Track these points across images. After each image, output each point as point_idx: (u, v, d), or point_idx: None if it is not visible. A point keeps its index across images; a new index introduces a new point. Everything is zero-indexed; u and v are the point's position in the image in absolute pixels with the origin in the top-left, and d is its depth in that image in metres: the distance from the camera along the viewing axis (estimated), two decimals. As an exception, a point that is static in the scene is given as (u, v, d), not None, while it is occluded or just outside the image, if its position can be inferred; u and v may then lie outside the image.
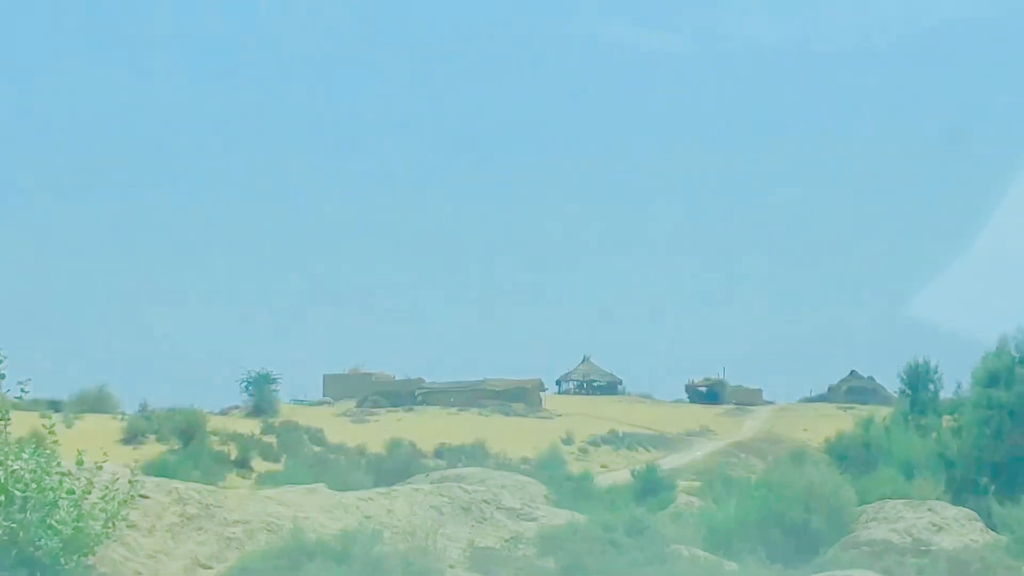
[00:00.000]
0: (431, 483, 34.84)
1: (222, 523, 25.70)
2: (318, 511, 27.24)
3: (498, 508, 29.34)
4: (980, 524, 34.19)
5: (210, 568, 24.46)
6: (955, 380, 46.47)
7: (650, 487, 51.90)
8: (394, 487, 30.93)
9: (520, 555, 27.30)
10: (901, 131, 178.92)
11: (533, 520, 29.36)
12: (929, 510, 34.49)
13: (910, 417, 46.92)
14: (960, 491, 39.47)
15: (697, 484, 60.28)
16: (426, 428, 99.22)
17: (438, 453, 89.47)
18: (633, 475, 55.75)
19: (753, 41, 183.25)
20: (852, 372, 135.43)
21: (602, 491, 50.94)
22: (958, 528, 33.80)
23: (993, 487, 39.34)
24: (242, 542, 25.29)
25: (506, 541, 27.97)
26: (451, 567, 25.77)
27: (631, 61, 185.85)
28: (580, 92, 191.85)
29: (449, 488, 30.14)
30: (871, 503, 35.61)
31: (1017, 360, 41.67)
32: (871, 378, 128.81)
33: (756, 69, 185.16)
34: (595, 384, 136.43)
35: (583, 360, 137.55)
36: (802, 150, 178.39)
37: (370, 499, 28.48)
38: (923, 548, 32.62)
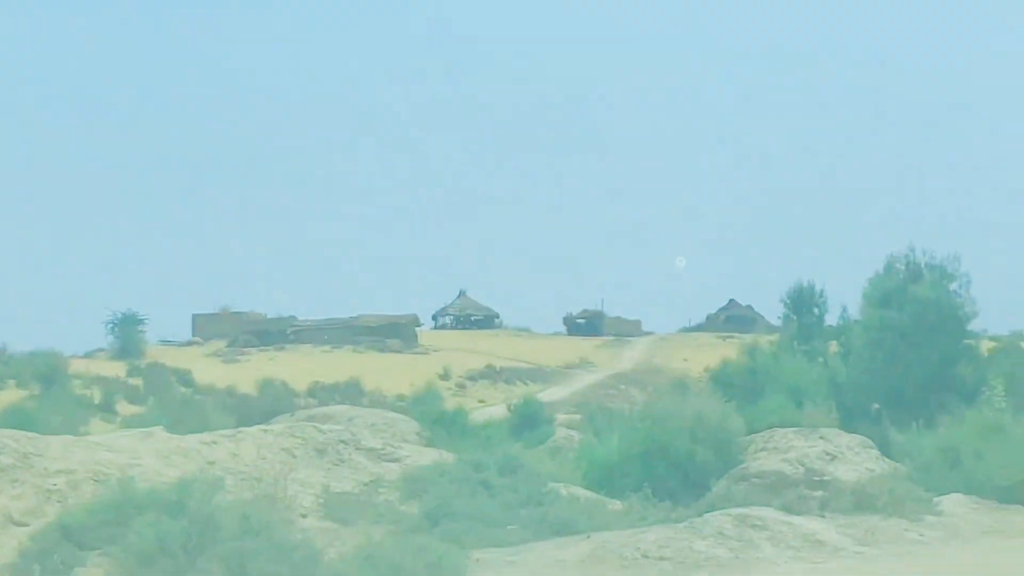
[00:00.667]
0: (293, 423, 31.72)
1: (41, 474, 22.58)
2: (154, 458, 24.12)
3: (357, 449, 26.47)
4: (875, 452, 32.26)
5: (25, 525, 21.34)
6: (840, 304, 44.28)
7: (527, 421, 49.15)
8: (241, 429, 27.82)
9: (381, 500, 24.51)
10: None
11: (396, 461, 26.57)
12: (821, 438, 32.49)
13: (796, 342, 44.69)
14: (852, 418, 37.34)
15: (577, 417, 58.06)
16: (299, 367, 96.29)
17: (311, 392, 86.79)
18: (509, 409, 53.02)
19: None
20: (731, 301, 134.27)
21: (477, 427, 48.15)
22: (853, 457, 31.75)
23: (887, 413, 37.25)
24: (64, 495, 22.18)
25: (365, 485, 25.15)
26: (302, 516, 22.88)
27: None
28: None
29: (302, 428, 27.16)
30: (760, 432, 33.51)
31: (909, 278, 39.46)
32: (749, 306, 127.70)
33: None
34: (472, 318, 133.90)
35: (459, 294, 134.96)
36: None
37: (213, 443, 25.41)
38: (817, 479, 30.53)
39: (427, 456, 27.45)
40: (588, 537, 21.37)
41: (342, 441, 26.51)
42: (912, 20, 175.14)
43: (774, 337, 48.72)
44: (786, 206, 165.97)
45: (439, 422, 46.99)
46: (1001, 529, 22.05)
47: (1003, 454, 27.43)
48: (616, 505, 25.76)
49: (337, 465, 25.68)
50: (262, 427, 28.09)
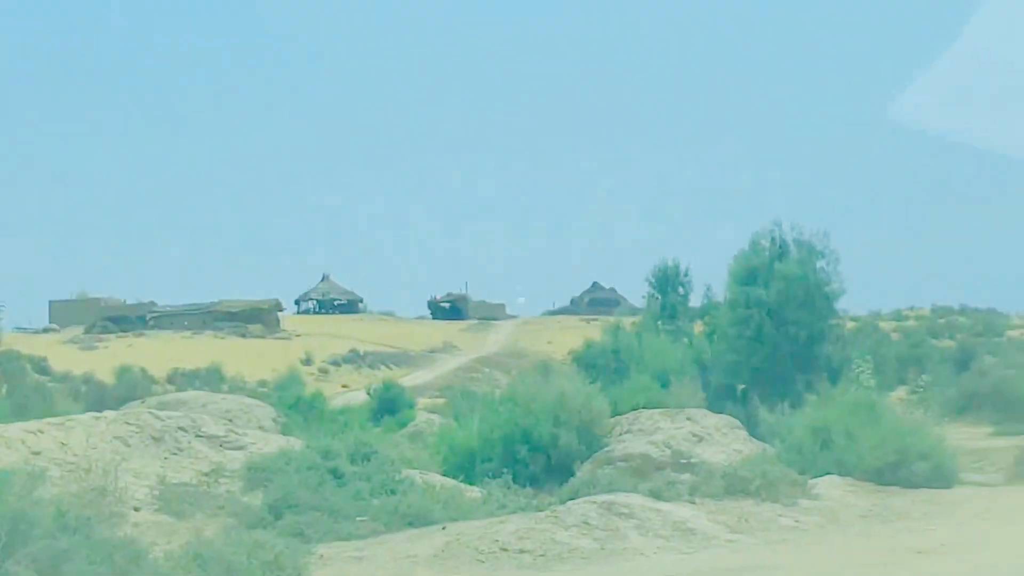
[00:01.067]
0: (127, 410, 29.43)
1: None
2: (-29, 449, 21.87)
3: (198, 436, 24.40)
4: (743, 432, 31.06)
5: None
6: (704, 283, 42.97)
7: (388, 406, 47.32)
8: (71, 416, 25.54)
9: (222, 491, 22.48)
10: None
11: (240, 448, 24.55)
12: (688, 419, 31.23)
13: (661, 323, 43.32)
14: (718, 397, 36.11)
15: (441, 401, 56.40)
16: (158, 353, 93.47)
17: (171, 379, 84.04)
18: (369, 393, 51.10)
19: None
20: (594, 284, 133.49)
21: (336, 412, 46.18)
22: (720, 438, 30.49)
23: (753, 393, 36.00)
24: None
25: (205, 475, 23.09)
26: (135, 509, 20.77)
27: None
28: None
29: (137, 415, 24.98)
30: (625, 414, 32.11)
31: (776, 255, 38.15)
32: (613, 289, 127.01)
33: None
34: (335, 303, 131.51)
35: (323, 279, 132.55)
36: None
37: (39, 432, 23.15)
38: (684, 461, 29.16)
39: (273, 443, 25.45)
40: (444, 528, 19.56)
41: (181, 428, 24.43)
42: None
43: (638, 318, 47.38)
44: (648, 187, 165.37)
45: (295, 407, 44.96)
46: (879, 513, 20.65)
47: (875, 434, 26.17)
48: (474, 493, 23.97)
49: (175, 454, 23.62)
50: (95, 414, 25.83)
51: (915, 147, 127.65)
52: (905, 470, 24.92)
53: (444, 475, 28.98)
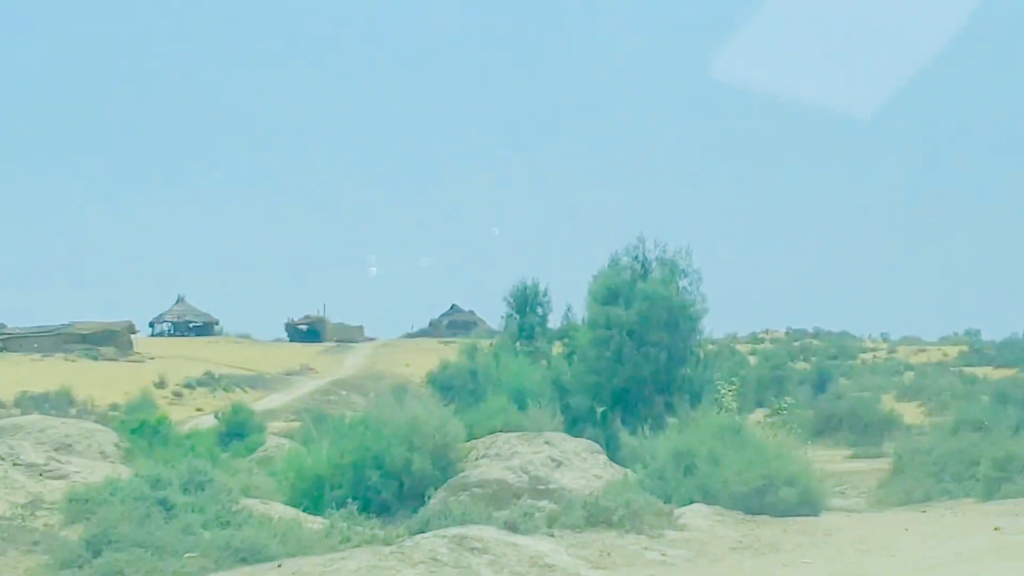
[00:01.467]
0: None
1: None
2: None
3: (15, 465, 22.12)
4: (603, 457, 29.50)
5: None
6: (565, 303, 41.36)
7: (236, 430, 45.07)
8: None
9: (40, 525, 20.26)
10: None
11: (62, 478, 22.28)
12: (546, 443, 29.62)
13: (519, 343, 41.66)
14: (578, 420, 34.49)
15: (296, 425, 54.33)
16: (7, 376, 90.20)
17: (18, 403, 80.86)
18: (217, 417, 48.77)
19: None
20: (453, 306, 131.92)
21: (182, 437, 43.79)
22: (579, 463, 28.88)
23: (614, 416, 34.45)
24: None
25: (21, 507, 20.85)
26: (-64, 547, 18.50)
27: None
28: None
29: (-56, 441, 22.64)
30: (481, 438, 30.46)
31: (638, 274, 36.62)
32: (472, 311, 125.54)
33: None
34: (191, 325, 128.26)
35: (178, 300, 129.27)
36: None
37: None
38: (542, 487, 27.51)
39: (100, 472, 23.24)
40: (279, 566, 17.58)
41: (-3, 456, 22.13)
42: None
43: (497, 339, 45.69)
44: (510, 208, 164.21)
45: (139, 432, 42.45)
46: (750, 544, 19.10)
47: (740, 458, 24.73)
48: (317, 523, 22.03)
49: (-12, 484, 21.32)
50: None
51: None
52: (772, 496, 23.51)
53: (290, 503, 27.04)
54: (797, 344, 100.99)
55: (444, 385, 39.54)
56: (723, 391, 32.07)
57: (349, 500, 26.08)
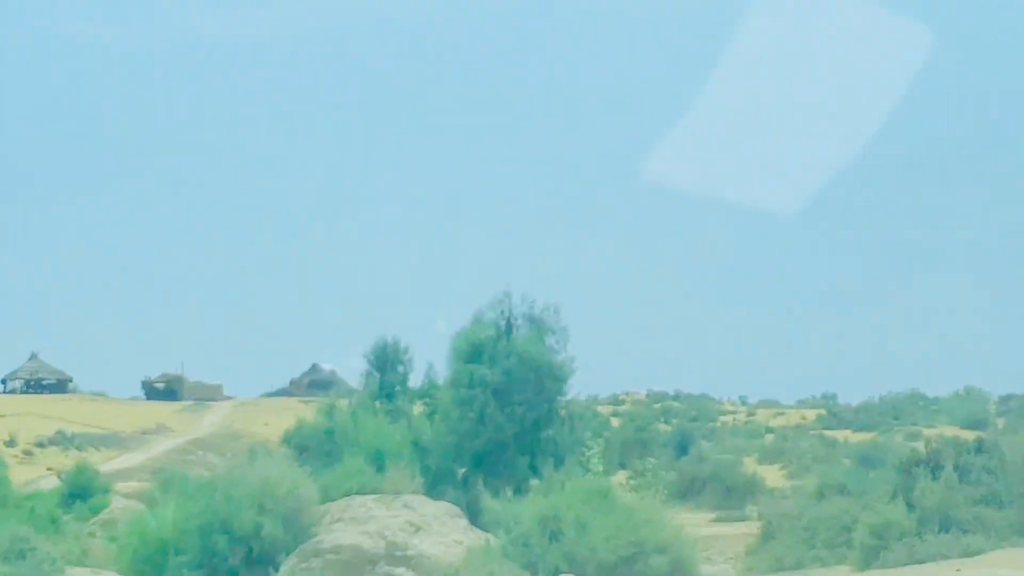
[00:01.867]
0: None
1: None
2: None
3: None
4: (464, 521, 27.95)
5: None
6: (427, 361, 39.57)
7: (80, 491, 42.59)
8: None
9: None
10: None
11: None
12: (405, 506, 28.04)
13: (379, 402, 39.81)
14: (438, 483, 32.85)
15: (148, 486, 51.81)
16: None
17: None
18: (60, 477, 46.24)
19: (204, 37, 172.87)
20: (313, 366, 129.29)
21: (23, 498, 41.23)
22: (440, 527, 27.28)
23: (476, 478, 32.84)
24: None
25: None
26: None
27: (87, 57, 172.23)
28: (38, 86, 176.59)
29: None
30: (337, 501, 28.77)
31: (503, 331, 35.05)
32: (333, 371, 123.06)
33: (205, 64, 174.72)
34: (44, 382, 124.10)
35: (31, 357, 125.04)
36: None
37: None
38: (400, 553, 25.88)
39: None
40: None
41: None
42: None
43: (356, 398, 43.74)
44: (370, 264, 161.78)
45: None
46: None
47: (608, 524, 23.37)
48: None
49: None
50: None
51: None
52: (642, 564, 22.16)
53: (130, 571, 25.08)
54: (658, 406, 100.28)
55: (300, 445, 37.59)
56: (589, 453, 30.71)
57: (193, 567, 24.28)
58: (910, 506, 24.69)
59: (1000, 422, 68.81)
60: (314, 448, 36.38)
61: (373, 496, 28.96)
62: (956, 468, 24.77)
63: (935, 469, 24.91)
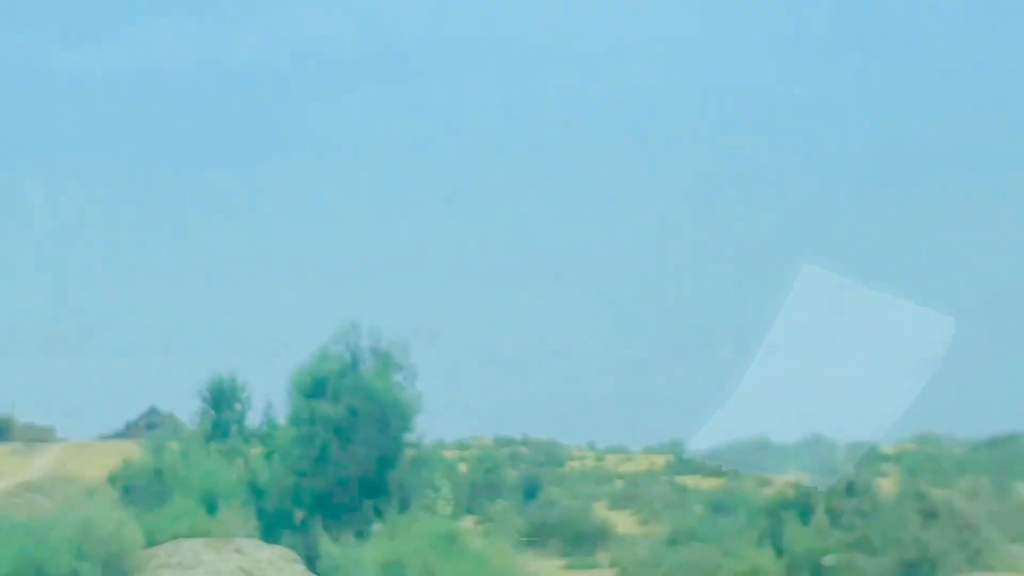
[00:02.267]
0: None
1: None
2: None
3: None
4: (301, 567, 26.07)
5: None
6: (265, 399, 37.37)
7: None
8: None
9: None
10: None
11: None
12: (237, 551, 26.08)
13: (214, 442, 37.57)
14: (274, 526, 30.77)
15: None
16: None
17: None
18: None
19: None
20: (151, 408, 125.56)
21: None
22: (274, 574, 25.37)
23: (315, 520, 30.81)
24: None
25: None
26: None
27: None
28: None
29: None
30: (163, 544, 26.67)
31: (347, 366, 33.06)
32: (172, 414, 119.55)
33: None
34: None
35: None
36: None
37: None
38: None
39: None
40: None
41: None
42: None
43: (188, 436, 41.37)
44: (207, 307, 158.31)
45: None
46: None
47: (456, 570, 21.58)
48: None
49: None
50: None
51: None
52: (493, 614, 20.37)
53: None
54: (506, 451, 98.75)
55: (126, 486, 35.21)
56: (435, 495, 28.93)
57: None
58: (778, 551, 23.35)
59: (849, 469, 68.45)
60: (141, 489, 34.03)
61: (203, 539, 26.94)
62: (827, 511, 23.50)
63: (804, 513, 23.61)
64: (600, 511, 58.63)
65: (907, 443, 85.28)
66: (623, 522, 56.74)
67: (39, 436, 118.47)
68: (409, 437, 33.39)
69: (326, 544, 27.14)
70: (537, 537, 49.73)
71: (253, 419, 39.14)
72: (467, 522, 44.66)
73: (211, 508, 30.50)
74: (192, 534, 27.95)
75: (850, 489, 24.79)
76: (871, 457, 75.54)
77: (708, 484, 71.15)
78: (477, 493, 56.28)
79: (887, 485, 27.31)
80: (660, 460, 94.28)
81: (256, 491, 32.90)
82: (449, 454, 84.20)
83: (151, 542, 27.30)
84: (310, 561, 27.32)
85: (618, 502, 64.84)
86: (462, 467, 72.75)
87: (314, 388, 32.70)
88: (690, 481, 75.95)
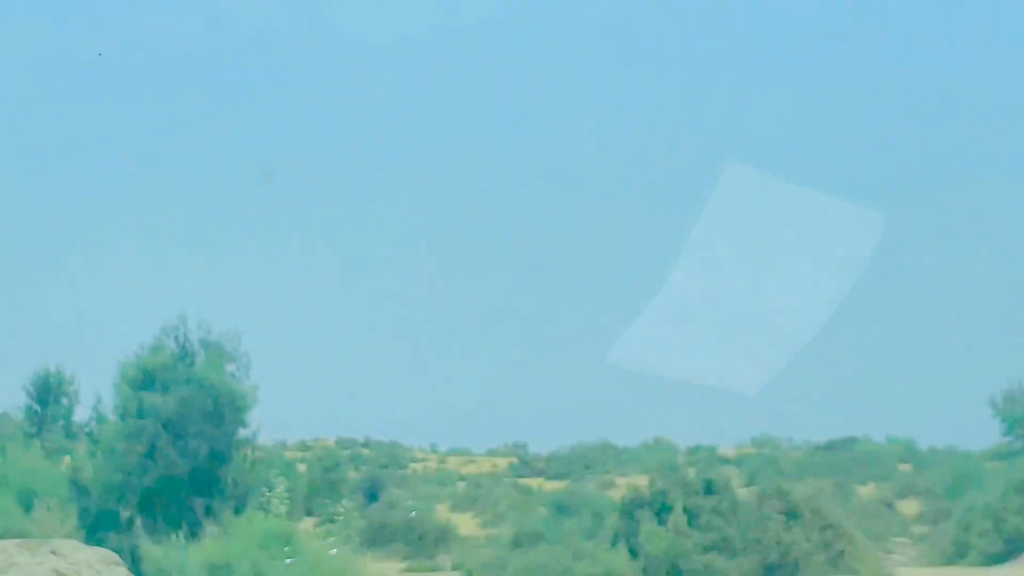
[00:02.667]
0: None
1: None
2: None
3: None
4: (123, 570, 24.06)
5: None
6: (95, 393, 35.29)
7: None
8: None
9: None
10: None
11: None
12: (53, 553, 23.93)
13: (35, 437, 35.45)
14: (98, 526, 28.76)
15: None
16: None
17: None
18: None
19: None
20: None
21: None
22: (92, 576, 23.36)
23: (141, 520, 28.89)
24: None
25: None
26: None
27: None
28: None
29: None
30: (-27, 545, 24.51)
31: (180, 356, 31.12)
32: (6, 414, 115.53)
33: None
34: None
35: None
36: None
37: None
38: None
39: None
40: None
41: None
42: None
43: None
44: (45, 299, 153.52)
45: None
46: None
47: (291, 569, 19.92)
48: None
49: None
50: None
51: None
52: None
53: None
54: (347, 452, 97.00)
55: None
56: (271, 494, 27.19)
57: None
58: (633, 553, 22.09)
59: (690, 472, 68.11)
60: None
61: (16, 540, 24.79)
62: (684, 511, 22.30)
63: (660, 512, 22.37)
64: (442, 513, 57.44)
65: (747, 447, 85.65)
66: (466, 524, 55.55)
67: None
68: (244, 432, 31.61)
69: (146, 545, 25.27)
70: (377, 539, 48.40)
71: (83, 414, 37.21)
72: (306, 524, 43.05)
73: (29, 507, 28.43)
74: (6, 535, 25.86)
75: (708, 487, 23.66)
76: (711, 460, 75.40)
77: (552, 486, 70.36)
78: (317, 493, 54.57)
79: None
80: (503, 462, 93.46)
81: (80, 489, 30.83)
82: (290, 455, 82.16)
83: (-37, 543, 25.10)
84: (134, 563, 25.38)
85: (461, 504, 63.60)
86: (302, 468, 70.85)
87: (143, 380, 30.74)
88: (533, 483, 75.12)
